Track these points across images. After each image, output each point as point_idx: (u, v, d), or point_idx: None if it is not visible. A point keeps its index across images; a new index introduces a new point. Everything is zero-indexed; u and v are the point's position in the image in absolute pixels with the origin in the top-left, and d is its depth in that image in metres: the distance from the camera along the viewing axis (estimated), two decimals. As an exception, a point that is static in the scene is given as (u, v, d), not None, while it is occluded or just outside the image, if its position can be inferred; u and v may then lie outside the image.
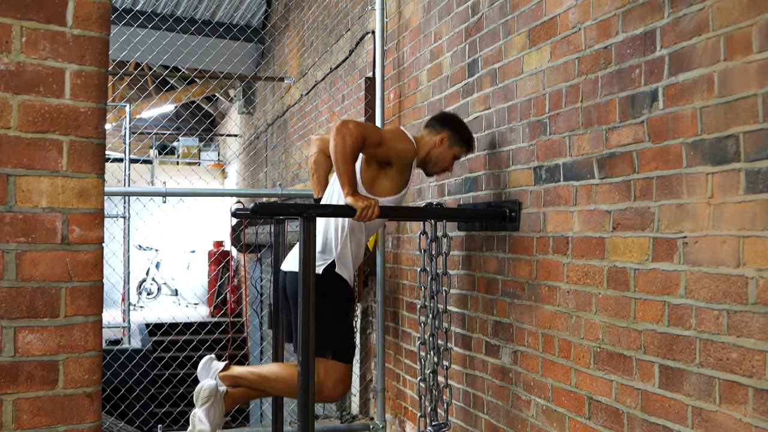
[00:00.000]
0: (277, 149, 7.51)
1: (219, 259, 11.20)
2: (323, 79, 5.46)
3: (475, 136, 2.97)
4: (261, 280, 7.82)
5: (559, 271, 2.37)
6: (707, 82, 1.77)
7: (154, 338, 8.08)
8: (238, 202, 5.73)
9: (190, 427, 2.80)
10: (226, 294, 10.55)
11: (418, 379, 2.88)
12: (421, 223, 2.93)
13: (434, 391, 2.84)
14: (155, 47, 6.63)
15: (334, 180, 2.82)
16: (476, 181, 2.96)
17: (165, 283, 12.56)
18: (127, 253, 7.46)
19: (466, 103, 3.05)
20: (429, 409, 2.86)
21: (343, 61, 4.88)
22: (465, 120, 3.06)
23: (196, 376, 2.89)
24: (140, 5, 7.58)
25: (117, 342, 7.70)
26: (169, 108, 13.30)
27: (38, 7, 1.57)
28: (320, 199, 2.98)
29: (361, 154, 2.67)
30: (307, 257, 2.39)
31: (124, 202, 7.62)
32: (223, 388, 2.85)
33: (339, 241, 2.77)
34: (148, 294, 12.31)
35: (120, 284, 8.20)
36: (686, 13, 1.84)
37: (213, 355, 2.99)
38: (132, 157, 8.20)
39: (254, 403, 7.89)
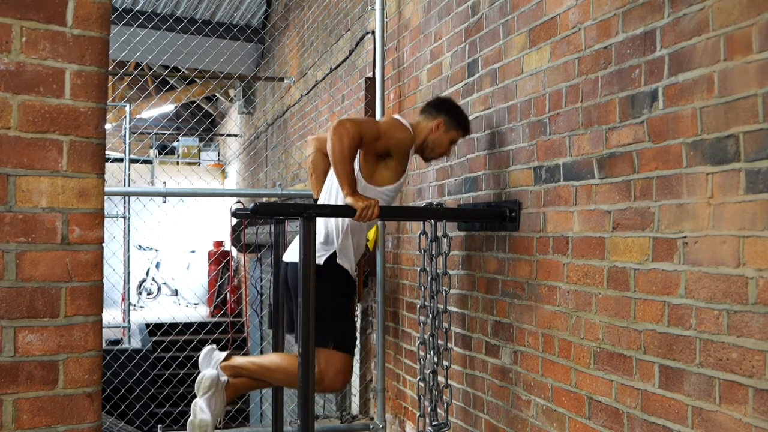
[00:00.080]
0: (277, 149, 7.51)
1: (219, 259, 11.20)
2: (323, 79, 5.46)
3: (475, 136, 2.97)
4: (261, 280, 7.82)
5: (559, 271, 2.37)
6: (707, 82, 1.77)
7: (154, 338, 8.08)
8: (238, 202, 5.73)
9: (191, 417, 2.81)
10: (226, 294, 10.55)
11: (418, 378, 2.88)
12: (421, 223, 2.93)
13: (434, 391, 2.84)
14: (155, 47, 6.63)
15: (332, 173, 2.83)
16: (476, 181, 2.96)
17: (165, 283, 12.56)
18: (127, 253, 7.46)
19: (466, 103, 3.05)
20: (429, 409, 2.86)
21: (343, 61, 4.88)
22: (465, 120, 3.06)
23: (197, 375, 2.89)
24: (140, 5, 7.58)
25: (117, 342, 7.70)
26: (169, 108, 13.31)
27: (38, 7, 1.57)
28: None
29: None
30: (307, 257, 2.39)
31: (124, 202, 7.62)
32: (224, 378, 2.86)
33: (340, 232, 2.78)
34: (148, 294, 12.32)
35: (120, 284, 8.21)
36: (686, 13, 1.84)
37: (214, 345, 3.00)
38: (132, 157, 8.20)
39: (254, 403, 7.89)
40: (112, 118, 9.91)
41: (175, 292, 12.54)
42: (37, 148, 1.57)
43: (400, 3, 3.86)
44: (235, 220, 6.79)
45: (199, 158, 13.54)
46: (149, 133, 12.65)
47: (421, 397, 2.90)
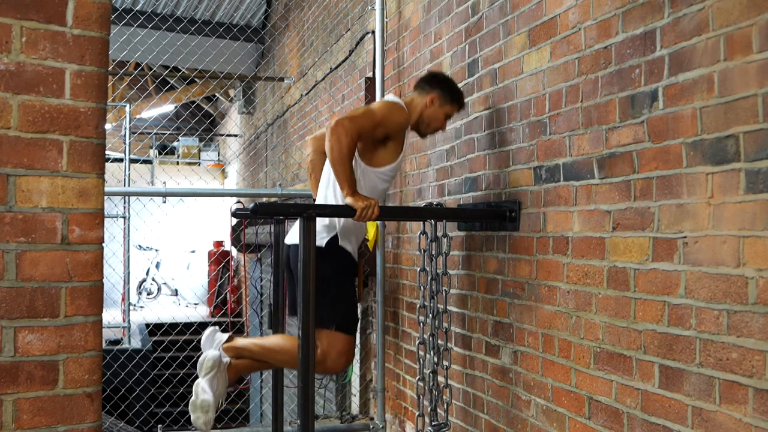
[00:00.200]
0: (277, 149, 7.51)
1: (219, 259, 11.20)
2: (323, 79, 5.46)
3: (475, 136, 2.97)
4: (261, 280, 7.82)
5: (559, 271, 2.37)
6: (707, 82, 1.77)
7: (154, 338, 8.08)
8: (238, 202, 5.73)
9: (192, 397, 2.82)
10: (226, 294, 10.55)
11: (418, 378, 2.88)
12: (421, 223, 2.93)
13: (434, 391, 2.84)
14: (155, 47, 6.63)
15: (328, 165, 2.83)
16: (476, 181, 2.96)
17: (165, 283, 12.56)
18: (127, 253, 7.46)
19: (466, 103, 3.05)
20: (429, 409, 2.86)
21: (343, 61, 4.88)
22: (465, 120, 3.06)
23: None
24: (140, 5, 7.58)
25: (117, 342, 7.70)
26: (169, 108, 13.31)
27: (38, 7, 1.57)
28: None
29: None
30: (307, 257, 2.39)
31: (124, 202, 7.62)
32: (226, 359, 2.87)
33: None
34: (148, 294, 12.32)
35: (120, 284, 8.21)
36: (686, 13, 1.84)
37: (216, 327, 3.02)
38: (132, 157, 8.20)
39: (254, 403, 7.89)
40: (112, 118, 9.91)
41: (175, 292, 12.54)
42: (37, 148, 1.57)
43: (400, 3, 3.85)
44: (235, 220, 6.79)
45: (199, 158, 13.54)
46: (149, 133, 12.65)
47: (421, 397, 2.90)
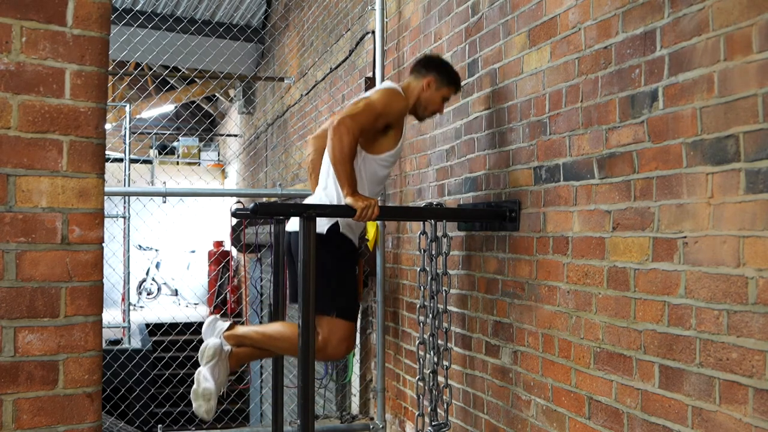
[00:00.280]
0: (277, 149, 7.51)
1: (219, 259, 11.20)
2: (323, 79, 5.46)
3: (475, 136, 2.97)
4: (261, 280, 7.82)
5: (559, 271, 2.37)
6: (707, 82, 1.77)
7: (154, 338, 8.08)
8: (238, 202, 5.74)
9: (194, 386, 2.82)
10: (226, 294, 10.55)
11: (418, 378, 2.88)
12: (421, 223, 2.93)
13: (434, 391, 2.84)
14: (155, 47, 6.63)
15: (327, 151, 2.84)
16: (476, 181, 2.96)
17: (165, 283, 12.56)
18: (127, 253, 7.46)
19: (466, 103, 3.05)
20: (429, 409, 2.86)
21: (343, 61, 4.88)
22: (465, 120, 3.06)
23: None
24: (140, 5, 7.58)
25: (117, 342, 7.70)
26: (169, 108, 13.31)
27: (38, 7, 1.57)
28: None
29: None
30: (307, 257, 2.39)
31: (124, 202, 7.62)
32: (227, 347, 2.87)
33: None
34: (148, 294, 12.32)
35: (120, 284, 8.20)
36: (686, 13, 1.84)
37: (217, 315, 3.02)
38: (132, 157, 8.20)
39: (254, 403, 7.89)
40: (112, 118, 9.91)
41: (175, 292, 12.54)
42: (37, 148, 1.57)
43: (400, 3, 3.85)
44: (235, 220, 6.79)
45: (199, 158, 13.54)
46: (149, 133, 12.65)
47: (421, 397, 2.90)
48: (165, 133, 13.62)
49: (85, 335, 1.60)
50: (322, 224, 2.71)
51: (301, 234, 2.40)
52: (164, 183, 4.01)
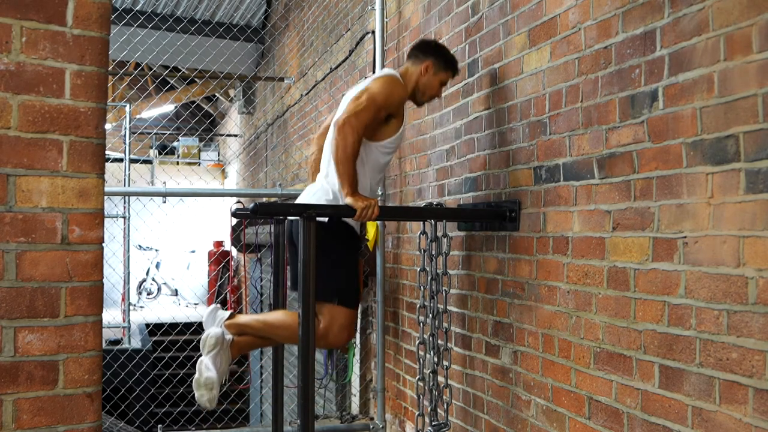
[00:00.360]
0: (277, 149, 7.51)
1: (219, 259, 11.20)
2: (323, 79, 5.46)
3: (475, 136, 2.97)
4: (261, 280, 7.82)
5: (559, 271, 2.37)
6: (707, 82, 1.77)
7: (154, 338, 8.08)
8: (238, 202, 5.74)
9: (196, 375, 2.81)
10: (226, 294, 10.55)
11: (418, 378, 2.88)
12: (421, 223, 2.93)
13: (434, 391, 2.84)
14: (155, 47, 6.62)
15: (328, 142, 2.84)
16: (476, 181, 2.96)
17: (165, 283, 12.56)
18: (127, 253, 7.46)
19: (466, 103, 3.06)
20: (429, 409, 2.86)
21: (343, 61, 4.88)
22: (465, 120, 3.06)
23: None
24: (140, 5, 7.58)
25: (117, 342, 7.70)
26: (169, 108, 13.31)
27: (38, 7, 1.57)
28: None
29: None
30: (307, 257, 2.39)
31: (124, 202, 7.62)
32: (229, 336, 2.87)
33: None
34: (148, 294, 12.32)
35: (120, 284, 8.20)
36: (686, 13, 1.84)
37: (218, 305, 3.02)
38: (132, 157, 8.20)
39: (254, 403, 7.89)
40: (112, 118, 9.91)
41: (175, 292, 12.54)
42: (37, 148, 1.57)
43: (400, 3, 3.85)
44: (235, 220, 6.79)
45: (199, 158, 13.54)
46: (149, 133, 12.65)
47: (421, 397, 2.90)
48: (165, 133, 13.62)
49: (85, 335, 1.60)
50: None
51: (302, 234, 2.40)
52: (164, 183, 4.01)
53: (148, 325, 8.98)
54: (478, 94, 2.95)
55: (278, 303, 3.28)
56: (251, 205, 2.47)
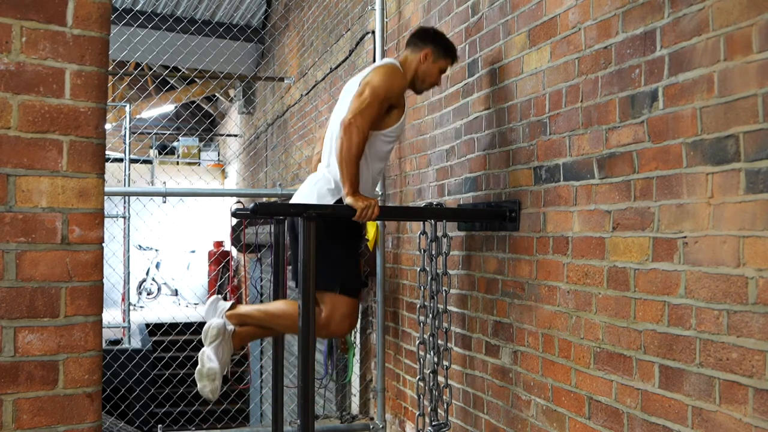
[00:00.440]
0: (277, 149, 7.51)
1: (219, 259, 11.20)
2: (323, 79, 5.46)
3: (475, 136, 2.97)
4: (261, 280, 7.82)
5: (559, 271, 2.37)
6: (707, 82, 1.77)
7: (154, 338, 8.08)
8: (238, 202, 5.74)
9: (198, 366, 2.82)
10: (226, 294, 10.55)
11: (418, 378, 2.88)
12: (421, 223, 2.93)
13: (434, 391, 2.84)
14: (155, 47, 6.62)
15: (329, 132, 2.85)
16: (476, 181, 2.96)
17: (165, 283, 12.56)
18: (127, 253, 7.46)
19: (466, 103, 3.05)
20: (429, 409, 2.86)
21: (343, 61, 4.88)
22: (465, 120, 3.06)
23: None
24: (140, 5, 7.58)
25: (117, 342, 7.70)
26: (169, 108, 13.31)
27: (38, 7, 1.57)
28: None
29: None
30: (307, 257, 2.39)
31: (124, 202, 7.62)
32: (230, 326, 2.87)
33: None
34: (148, 294, 12.32)
35: (120, 284, 8.21)
36: (686, 13, 1.84)
37: (219, 296, 3.02)
38: (132, 157, 8.20)
39: (254, 403, 7.89)
40: (112, 118, 9.90)
41: (175, 292, 12.54)
42: (37, 148, 1.57)
43: (400, 3, 3.86)
44: (235, 220, 6.79)
45: (199, 158, 13.54)
46: (149, 133, 12.65)
47: (421, 397, 2.90)
48: (165, 133, 13.62)
49: (85, 335, 1.60)
50: (326, 201, 2.73)
51: (302, 234, 2.40)
52: (164, 183, 4.01)
53: (148, 325, 8.98)
54: (478, 94, 2.95)
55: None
56: (251, 205, 2.47)
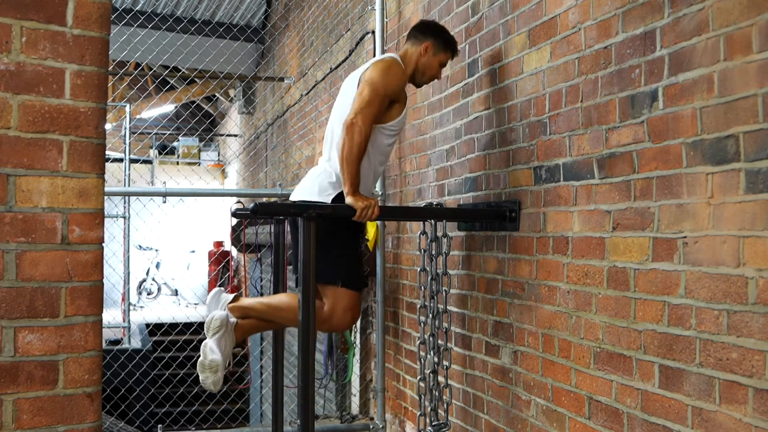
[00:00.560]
0: (277, 149, 7.51)
1: (219, 259, 11.20)
2: (323, 79, 5.46)
3: (475, 136, 2.97)
4: (261, 280, 7.82)
5: (559, 271, 2.37)
6: (707, 82, 1.77)
7: (154, 338, 8.08)
8: (238, 202, 5.73)
9: (201, 358, 2.82)
10: (226, 293, 10.52)
11: (418, 378, 2.88)
12: (421, 223, 2.93)
13: (434, 391, 2.84)
14: (155, 47, 6.63)
15: (330, 126, 2.85)
16: (476, 181, 2.96)
17: (165, 283, 12.56)
18: (127, 253, 7.47)
19: (466, 103, 3.06)
20: (429, 409, 2.86)
21: (343, 61, 4.88)
22: (465, 120, 3.06)
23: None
24: (140, 5, 7.58)
25: (117, 342, 7.71)
26: (169, 108, 13.31)
27: (38, 7, 1.57)
28: None
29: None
30: (307, 257, 2.39)
31: (124, 202, 7.63)
32: (233, 319, 2.88)
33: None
34: (148, 294, 12.32)
35: (120, 284, 8.21)
36: (686, 13, 1.84)
37: (221, 288, 3.03)
38: (132, 157, 8.21)
39: (254, 403, 7.89)
40: (112, 118, 9.90)
41: (175, 292, 12.54)
42: (37, 148, 1.57)
43: (400, 3, 3.86)
44: (235, 220, 6.79)
45: (199, 158, 13.54)
46: (149, 133, 12.65)
47: (421, 397, 2.90)
48: (165, 133, 13.62)
49: (85, 335, 1.60)
50: (328, 194, 2.73)
51: (302, 234, 2.40)
52: (164, 183, 4.01)
53: (148, 325, 8.98)
54: (478, 94, 2.95)
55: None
56: (251, 205, 2.47)
